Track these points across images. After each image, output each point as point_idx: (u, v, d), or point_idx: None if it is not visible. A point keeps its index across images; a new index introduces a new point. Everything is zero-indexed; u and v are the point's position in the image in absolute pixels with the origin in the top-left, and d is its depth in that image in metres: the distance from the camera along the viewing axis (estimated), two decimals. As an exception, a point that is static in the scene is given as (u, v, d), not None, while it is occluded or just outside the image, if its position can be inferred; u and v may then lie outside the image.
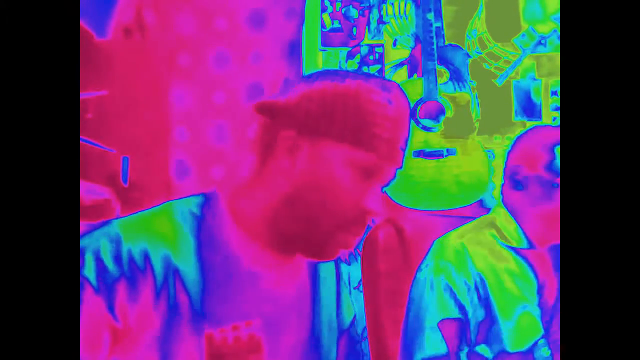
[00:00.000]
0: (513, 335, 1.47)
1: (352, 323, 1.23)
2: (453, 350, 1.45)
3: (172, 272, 0.96)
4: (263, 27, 2.49)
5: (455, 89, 2.35)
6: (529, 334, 1.48)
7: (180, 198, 1.06)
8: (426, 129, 2.24)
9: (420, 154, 2.22)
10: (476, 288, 1.48)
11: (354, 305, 1.25)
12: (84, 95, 2.27)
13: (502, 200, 1.57)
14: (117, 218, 1.00)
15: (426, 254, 1.54)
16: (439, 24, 2.29)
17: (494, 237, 1.54)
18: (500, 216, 1.56)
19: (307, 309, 1.11)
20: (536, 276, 1.52)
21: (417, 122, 2.24)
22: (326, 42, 2.44)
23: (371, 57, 2.42)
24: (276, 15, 2.48)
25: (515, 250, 1.53)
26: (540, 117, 2.36)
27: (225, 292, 1.00)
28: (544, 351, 1.46)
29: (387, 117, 1.00)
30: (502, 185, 1.57)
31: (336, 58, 2.43)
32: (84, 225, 0.93)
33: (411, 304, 1.52)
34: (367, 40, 2.43)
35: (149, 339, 0.95)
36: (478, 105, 2.38)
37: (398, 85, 1.05)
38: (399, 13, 2.42)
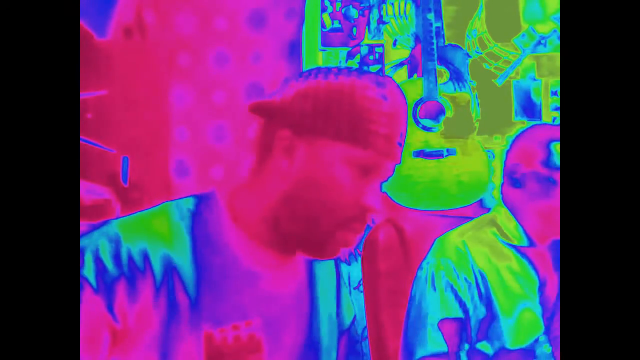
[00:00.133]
0: (514, 332, 1.48)
1: (352, 323, 1.23)
2: (453, 349, 1.45)
3: (172, 272, 0.96)
4: (263, 27, 2.49)
5: (455, 89, 2.35)
6: (530, 331, 1.48)
7: (180, 198, 1.06)
8: (426, 129, 2.24)
9: (420, 154, 2.22)
10: (477, 285, 1.48)
11: (354, 305, 1.25)
12: (84, 95, 2.27)
13: (502, 199, 1.58)
14: (116, 218, 1.00)
15: (427, 253, 1.55)
16: (439, 24, 2.29)
17: (494, 235, 1.55)
18: (501, 214, 1.57)
19: (307, 308, 1.11)
20: (537, 274, 1.53)
21: (417, 122, 2.24)
22: (326, 42, 2.44)
23: (371, 57, 2.42)
24: (276, 15, 2.48)
25: (516, 247, 1.54)
26: (540, 117, 2.36)
27: (225, 292, 1.00)
28: (545, 348, 1.47)
29: (383, 112, 0.99)
30: (501, 183, 1.58)
31: (336, 58, 2.43)
32: (84, 225, 0.93)
33: (412, 302, 1.52)
34: (367, 40, 2.43)
35: (149, 339, 0.94)
36: (478, 105, 2.38)
37: (393, 80, 1.04)
38: (399, 13, 2.42)
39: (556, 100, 2.36)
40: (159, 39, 2.50)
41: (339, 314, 1.19)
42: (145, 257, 0.95)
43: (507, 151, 1.58)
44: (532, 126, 1.62)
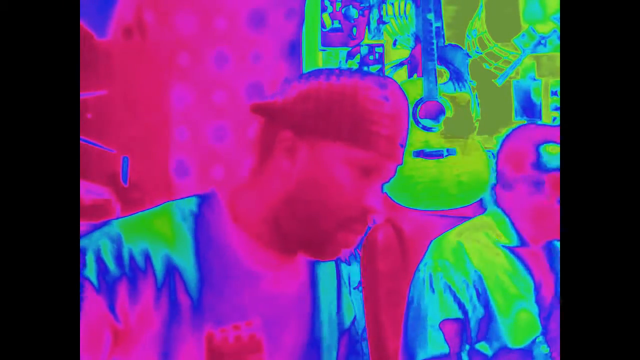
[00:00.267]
0: (511, 332, 1.48)
1: (353, 323, 1.23)
2: (455, 350, 1.46)
3: (173, 272, 0.96)
4: (263, 27, 2.48)
5: (455, 89, 2.35)
6: (527, 332, 1.49)
7: (181, 198, 1.06)
8: (426, 129, 2.24)
9: (420, 154, 2.22)
10: (475, 286, 1.49)
11: (354, 306, 1.25)
12: (84, 95, 2.27)
13: (495, 200, 1.59)
14: (117, 218, 1.00)
15: (424, 254, 1.55)
16: (439, 24, 2.29)
17: (489, 236, 1.56)
18: (494, 215, 1.58)
19: (307, 308, 1.11)
20: (532, 274, 1.53)
21: (417, 122, 2.24)
22: (326, 42, 2.44)
23: (371, 57, 2.42)
24: (276, 15, 2.48)
25: (510, 248, 1.54)
26: (540, 117, 2.36)
27: (225, 292, 1.00)
28: (542, 348, 1.47)
29: (385, 114, 0.99)
30: (493, 185, 1.59)
31: (336, 58, 2.43)
32: (84, 225, 0.93)
33: (410, 304, 1.52)
34: (367, 40, 2.43)
35: (150, 339, 0.94)
36: (478, 105, 2.38)
37: (394, 81, 1.05)
38: (399, 13, 2.42)
39: (556, 100, 2.36)
40: (159, 39, 2.50)
41: (339, 314, 1.19)
42: (147, 257, 0.95)
43: (497, 152, 1.58)
44: (521, 126, 1.63)
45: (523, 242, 1.54)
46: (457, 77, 2.36)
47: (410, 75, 2.39)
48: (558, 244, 1.57)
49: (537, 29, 2.37)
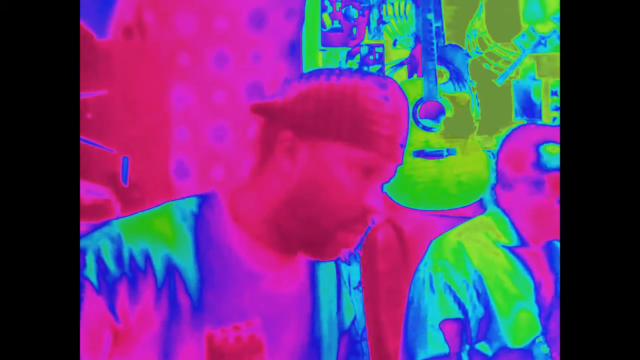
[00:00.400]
0: (511, 332, 1.48)
1: (353, 323, 1.23)
2: (455, 350, 1.46)
3: (173, 272, 0.96)
4: (263, 27, 2.48)
5: (455, 89, 2.35)
6: (527, 332, 1.49)
7: (181, 198, 1.06)
8: (426, 129, 2.24)
9: (420, 154, 2.22)
10: (474, 286, 1.49)
11: (354, 306, 1.25)
12: (84, 95, 2.27)
13: (494, 200, 1.59)
14: (117, 218, 1.00)
15: (424, 254, 1.55)
16: (439, 24, 2.29)
17: (489, 236, 1.55)
18: (494, 215, 1.58)
19: (307, 308, 1.11)
20: (532, 274, 1.53)
21: (417, 122, 2.24)
22: (326, 42, 2.44)
23: (371, 57, 2.42)
24: (276, 15, 2.48)
25: (510, 248, 1.54)
26: (540, 117, 2.36)
27: (226, 292, 1.00)
28: (542, 348, 1.47)
29: (385, 114, 0.99)
30: (493, 185, 1.59)
31: (336, 58, 2.43)
32: (84, 225, 0.93)
33: (410, 304, 1.52)
34: (367, 40, 2.43)
35: (150, 339, 0.94)
36: (478, 105, 2.38)
37: (394, 81, 1.05)
38: (399, 13, 2.42)
39: (556, 100, 2.36)
40: (159, 39, 2.50)
41: (339, 314, 1.19)
42: (147, 257, 0.95)
43: (497, 152, 1.58)
44: (521, 126, 1.63)
45: (523, 242, 1.54)
46: (457, 77, 2.36)
47: (410, 75, 2.39)
48: (558, 244, 1.57)
49: (537, 29, 2.37)
